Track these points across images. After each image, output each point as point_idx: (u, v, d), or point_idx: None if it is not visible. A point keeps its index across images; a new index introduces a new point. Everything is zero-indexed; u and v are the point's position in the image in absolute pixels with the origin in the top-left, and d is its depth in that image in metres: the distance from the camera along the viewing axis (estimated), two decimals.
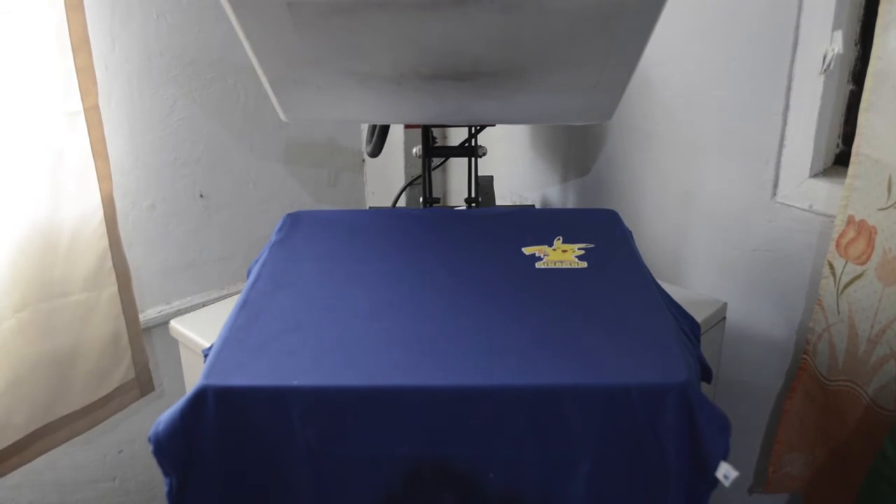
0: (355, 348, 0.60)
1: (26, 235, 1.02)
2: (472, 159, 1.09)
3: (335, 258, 0.76)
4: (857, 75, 1.00)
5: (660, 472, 0.58)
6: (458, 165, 1.49)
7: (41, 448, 1.11)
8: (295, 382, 0.57)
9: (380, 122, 1.08)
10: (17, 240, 1.02)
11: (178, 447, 0.56)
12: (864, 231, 0.91)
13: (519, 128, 1.33)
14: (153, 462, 0.58)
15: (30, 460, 1.10)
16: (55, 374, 1.09)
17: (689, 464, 0.57)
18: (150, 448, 0.57)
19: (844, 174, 0.96)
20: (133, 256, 1.22)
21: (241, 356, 0.59)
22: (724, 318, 1.11)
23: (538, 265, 0.75)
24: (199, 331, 1.05)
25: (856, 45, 0.99)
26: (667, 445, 0.57)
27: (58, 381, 1.09)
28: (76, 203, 1.07)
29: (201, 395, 0.57)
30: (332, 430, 0.58)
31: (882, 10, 0.85)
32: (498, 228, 0.85)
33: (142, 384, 1.21)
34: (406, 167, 1.43)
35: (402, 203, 1.23)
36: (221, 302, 1.28)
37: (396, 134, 1.40)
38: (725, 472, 0.56)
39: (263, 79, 0.82)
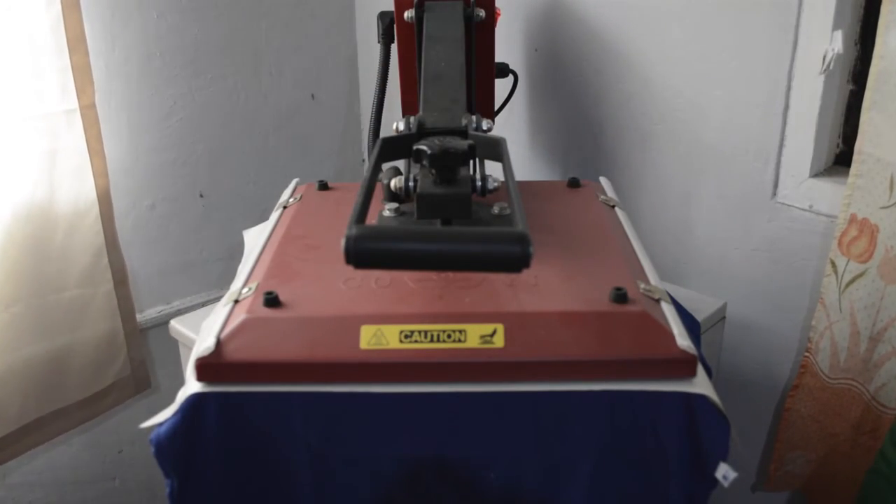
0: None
1: (19, 230, 1.03)
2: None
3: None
4: (857, 75, 1.00)
5: (660, 472, 0.58)
6: None
7: (34, 440, 1.11)
8: (296, 386, 0.57)
9: None
10: (9, 235, 1.02)
11: (179, 448, 0.57)
12: (867, 229, 0.91)
13: (518, 128, 1.33)
14: (153, 462, 0.58)
15: (23, 452, 1.11)
16: (49, 369, 1.09)
17: (689, 464, 0.57)
18: (152, 449, 0.57)
19: (844, 174, 0.96)
20: (133, 256, 1.23)
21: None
22: (724, 317, 1.11)
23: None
24: (199, 331, 1.05)
25: (856, 44, 0.99)
26: (667, 446, 0.57)
27: (51, 375, 1.10)
28: (71, 199, 1.07)
29: (201, 397, 0.57)
30: (333, 432, 0.58)
31: (885, 9, 0.85)
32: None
33: (137, 381, 1.21)
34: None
35: None
36: (219, 304, 1.28)
37: None
38: (724, 472, 0.56)
39: None
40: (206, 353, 0.57)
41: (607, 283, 0.61)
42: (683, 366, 0.57)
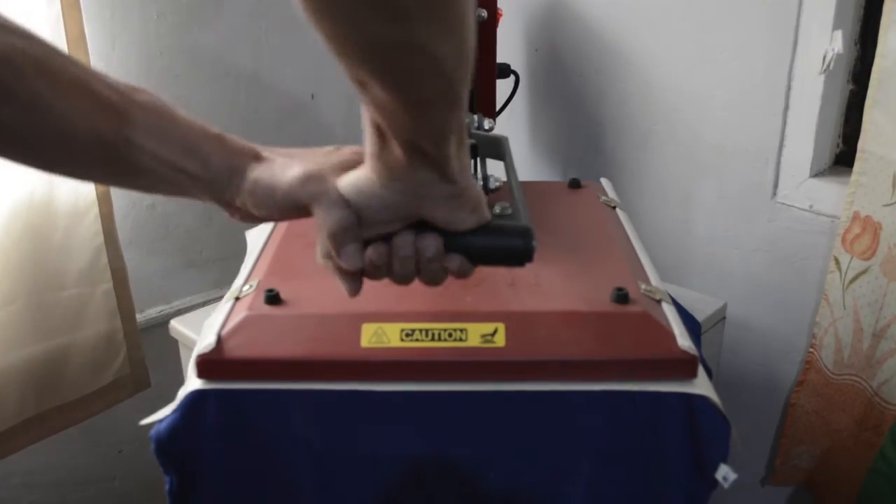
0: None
1: (17, 228, 1.03)
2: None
3: None
4: (857, 75, 1.00)
5: (660, 473, 0.58)
6: None
7: (33, 437, 1.11)
8: (296, 384, 0.57)
9: None
10: (7, 232, 1.02)
11: (179, 446, 0.57)
12: (870, 227, 0.92)
13: (519, 128, 1.33)
14: (153, 462, 0.58)
15: (21, 448, 1.10)
16: (47, 367, 1.09)
17: (690, 465, 0.57)
18: (152, 446, 0.57)
19: (845, 174, 0.97)
20: (133, 256, 1.22)
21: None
22: (724, 317, 1.11)
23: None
24: (199, 331, 1.05)
25: (856, 44, 0.99)
26: (668, 447, 0.57)
27: (50, 373, 1.10)
28: (70, 198, 1.07)
29: (201, 394, 0.57)
30: (333, 431, 0.58)
31: (887, 8, 0.85)
32: None
33: (137, 380, 1.21)
34: None
35: None
36: (221, 302, 1.28)
37: None
38: (725, 473, 0.56)
39: None
40: (206, 349, 0.57)
41: (608, 284, 0.61)
42: (684, 366, 0.57)
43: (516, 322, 0.58)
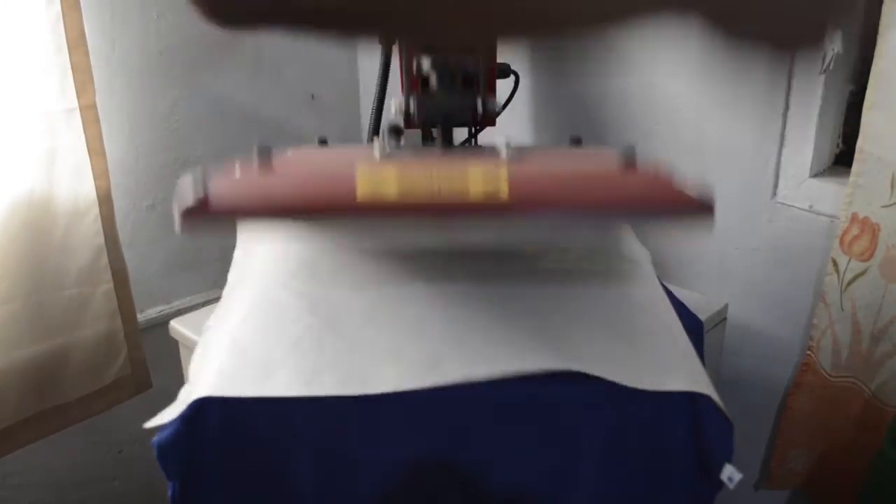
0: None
1: (17, 227, 1.03)
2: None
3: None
4: (857, 75, 1.00)
5: (663, 474, 0.58)
6: None
7: (33, 436, 1.11)
8: (297, 392, 0.57)
9: None
10: (7, 231, 1.02)
11: (181, 453, 0.56)
12: (868, 228, 0.92)
13: (520, 129, 1.33)
14: (153, 462, 0.58)
15: (21, 446, 1.11)
16: (47, 367, 1.10)
17: (694, 466, 0.58)
18: (154, 453, 0.57)
19: (844, 174, 0.97)
20: (133, 256, 1.22)
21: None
22: (725, 318, 1.11)
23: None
24: (199, 331, 1.05)
25: (856, 45, 0.99)
26: (671, 449, 0.57)
27: (49, 372, 1.10)
28: (70, 198, 1.07)
29: (204, 402, 0.57)
30: (335, 435, 0.58)
31: (886, 8, 0.86)
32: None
33: (138, 381, 1.21)
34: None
35: None
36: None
37: None
38: (730, 474, 0.56)
39: None
40: (193, 203, 0.52)
41: (615, 158, 0.60)
42: (699, 207, 0.55)
43: (520, 172, 0.55)
